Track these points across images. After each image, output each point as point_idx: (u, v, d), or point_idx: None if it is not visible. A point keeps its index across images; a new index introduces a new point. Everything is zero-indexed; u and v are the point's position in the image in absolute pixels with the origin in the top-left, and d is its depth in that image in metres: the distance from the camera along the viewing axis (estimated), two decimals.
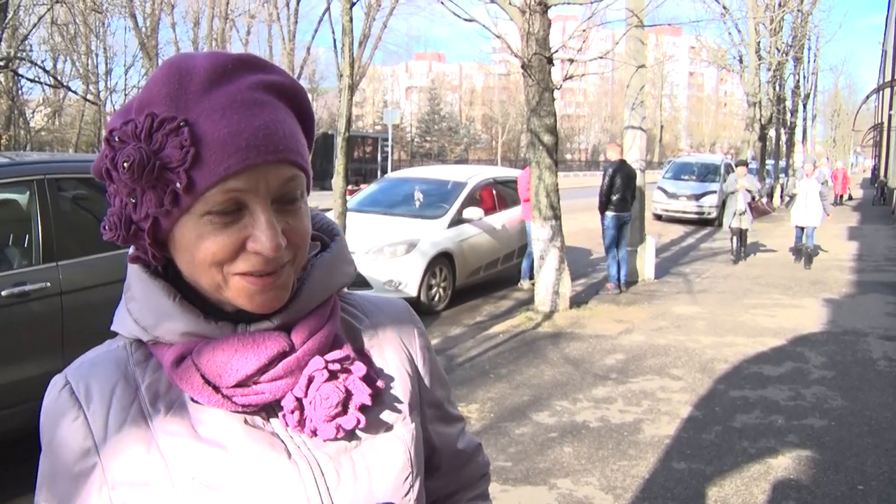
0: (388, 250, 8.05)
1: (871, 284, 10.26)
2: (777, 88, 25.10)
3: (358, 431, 0.85)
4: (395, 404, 0.91)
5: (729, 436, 4.61)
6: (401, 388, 0.92)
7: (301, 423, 0.81)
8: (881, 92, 35.51)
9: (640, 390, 5.46)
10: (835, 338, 7.14)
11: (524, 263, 9.70)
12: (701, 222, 19.28)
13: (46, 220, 3.92)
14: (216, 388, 0.78)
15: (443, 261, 8.43)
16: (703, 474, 4.05)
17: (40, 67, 16.50)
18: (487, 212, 9.33)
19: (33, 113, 26.12)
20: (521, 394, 5.32)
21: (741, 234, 12.14)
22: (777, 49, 22.65)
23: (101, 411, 0.80)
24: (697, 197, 19.62)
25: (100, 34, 26.79)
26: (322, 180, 19.98)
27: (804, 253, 11.71)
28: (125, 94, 27.88)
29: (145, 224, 0.76)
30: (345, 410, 0.82)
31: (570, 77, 8.20)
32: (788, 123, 30.76)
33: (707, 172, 20.81)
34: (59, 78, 22.60)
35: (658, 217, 19.78)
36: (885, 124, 33.53)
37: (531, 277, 8.90)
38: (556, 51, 7.89)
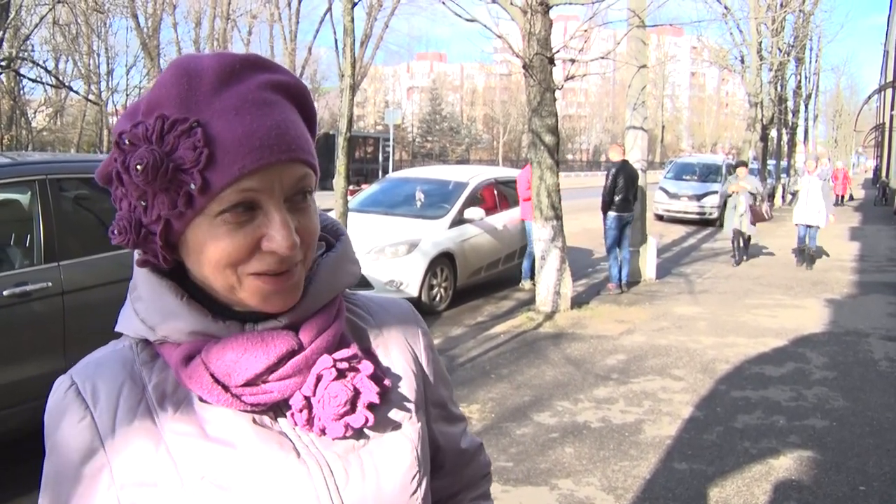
0: (389, 250, 8.05)
1: (873, 285, 10.25)
2: (779, 89, 25.08)
3: (366, 430, 0.85)
4: (402, 403, 0.91)
5: (730, 436, 4.61)
6: (407, 387, 0.93)
7: (310, 421, 0.81)
8: (883, 92, 35.47)
9: (642, 391, 5.46)
10: (836, 338, 7.14)
11: (525, 263, 9.69)
12: (702, 223, 19.27)
13: (48, 221, 3.92)
14: (225, 388, 0.78)
15: (444, 261, 8.43)
16: (704, 475, 4.04)
17: (42, 67, 16.50)
18: (489, 212, 9.33)
19: (35, 113, 26.16)
20: (522, 394, 5.32)
21: (742, 237, 11.84)
22: (779, 49, 22.63)
23: (108, 411, 0.79)
24: (699, 197, 19.60)
25: (101, 34, 26.84)
26: (323, 180, 19.97)
27: (806, 255, 11.58)
28: (127, 95, 27.92)
29: (156, 227, 0.76)
30: (353, 409, 0.82)
31: (572, 77, 8.20)
32: (790, 124, 30.73)
33: (708, 173, 20.80)
34: (60, 78, 22.62)
35: (659, 217, 19.77)
36: (887, 125, 33.50)
37: (532, 277, 8.90)
38: (558, 51, 7.89)
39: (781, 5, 21.85)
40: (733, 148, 60.49)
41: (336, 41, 6.25)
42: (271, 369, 0.79)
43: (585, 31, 9.11)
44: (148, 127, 0.74)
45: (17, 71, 14.54)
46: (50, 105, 27.02)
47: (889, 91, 33.06)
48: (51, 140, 27.27)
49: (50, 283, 3.85)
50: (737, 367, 6.08)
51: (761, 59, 21.42)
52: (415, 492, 0.88)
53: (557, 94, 7.97)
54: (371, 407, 0.83)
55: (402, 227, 8.52)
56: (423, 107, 71.61)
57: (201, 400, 0.80)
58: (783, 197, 26.35)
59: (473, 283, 9.14)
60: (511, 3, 7.71)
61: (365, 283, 7.66)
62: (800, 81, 31.84)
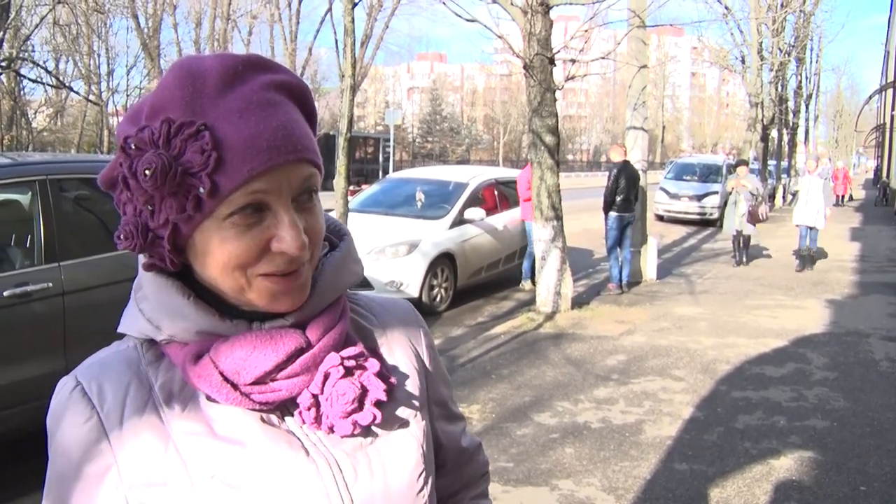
0: (389, 251, 8.06)
1: (874, 285, 10.25)
2: (779, 89, 25.07)
3: (373, 428, 0.86)
4: (408, 401, 0.92)
5: (731, 437, 4.61)
6: (412, 386, 0.94)
7: (318, 419, 0.81)
8: (884, 92, 35.47)
9: (642, 391, 5.46)
10: (837, 339, 7.13)
11: (525, 264, 9.69)
12: (703, 223, 19.26)
13: (48, 221, 3.92)
14: (234, 386, 0.79)
15: (444, 261, 8.43)
16: (704, 475, 4.04)
17: (42, 68, 16.52)
18: (489, 212, 9.33)
19: (35, 113, 26.17)
20: (522, 394, 5.32)
21: (742, 237, 11.70)
22: (779, 49, 22.61)
23: (115, 411, 0.79)
24: (699, 198, 19.60)
25: (102, 35, 26.86)
26: (324, 181, 19.90)
27: (807, 258, 11.45)
28: (127, 95, 27.94)
29: (164, 231, 0.76)
30: (360, 406, 0.82)
31: (572, 77, 8.20)
32: (791, 124, 30.71)
33: (709, 173, 20.79)
34: (61, 78, 22.64)
35: (660, 218, 19.76)
36: (888, 125, 33.49)
37: (532, 278, 8.90)
38: (558, 51, 7.89)
39: (782, 5, 21.84)
40: (734, 148, 60.52)
41: (336, 41, 6.24)
42: (280, 367, 0.79)
43: (586, 31, 9.10)
44: (154, 131, 0.74)
45: (17, 71, 14.55)
46: (50, 105, 27.03)
47: (890, 91, 33.05)
48: (51, 140, 27.28)
49: (50, 284, 3.85)
50: (737, 368, 6.08)
51: (762, 60, 21.41)
52: (421, 489, 0.89)
53: (558, 94, 7.97)
54: (378, 404, 0.83)
55: (403, 227, 8.52)
56: (423, 107, 71.63)
57: (208, 399, 0.80)
58: (784, 197, 26.35)
59: (474, 284, 9.14)
60: (511, 4, 7.71)
61: (365, 284, 7.65)
62: (800, 82, 31.85)
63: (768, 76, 22.57)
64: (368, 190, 10.71)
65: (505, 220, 9.63)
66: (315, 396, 0.81)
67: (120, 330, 0.86)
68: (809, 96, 35.45)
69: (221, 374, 0.78)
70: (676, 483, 3.94)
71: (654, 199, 19.44)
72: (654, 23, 13.23)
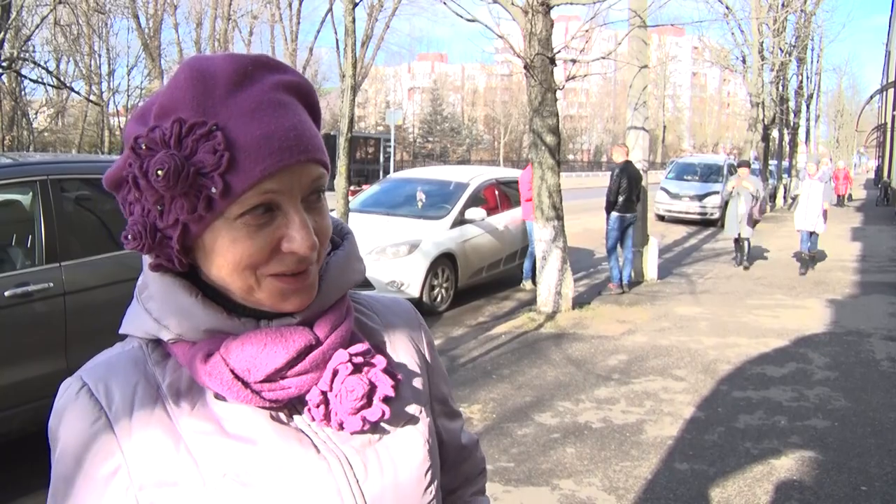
0: (390, 251, 8.06)
1: (875, 285, 10.24)
2: (780, 89, 25.05)
3: (381, 424, 0.86)
4: (413, 398, 0.93)
5: (732, 437, 4.61)
6: (416, 383, 0.95)
7: (327, 416, 0.82)
8: (885, 92, 35.45)
9: (643, 391, 5.46)
10: (838, 338, 7.13)
11: (526, 264, 9.69)
12: (704, 223, 19.25)
13: (49, 221, 3.92)
14: (245, 384, 0.79)
15: (445, 261, 8.43)
16: (705, 475, 4.04)
17: (43, 68, 16.53)
18: (490, 212, 9.33)
19: (36, 114, 26.19)
20: (523, 394, 5.32)
21: (743, 241, 11.53)
22: (780, 49, 22.60)
23: (124, 411, 0.79)
24: (700, 197, 19.59)
25: (103, 35, 26.88)
26: None
27: (808, 260, 11.27)
28: (128, 95, 27.96)
29: (173, 231, 0.76)
30: (369, 403, 0.82)
31: (573, 77, 8.20)
32: (791, 124, 30.68)
33: (710, 173, 20.77)
34: (61, 79, 22.66)
35: (661, 218, 19.76)
36: (889, 125, 33.47)
37: (533, 278, 8.90)
38: (559, 51, 7.88)
39: (783, 5, 21.83)
40: (734, 148, 60.54)
41: (337, 42, 6.25)
42: (290, 364, 0.79)
43: (586, 31, 9.11)
44: (165, 131, 0.73)
45: (18, 72, 14.56)
46: (51, 106, 27.06)
47: (891, 91, 33.03)
48: (52, 141, 27.29)
49: (51, 284, 3.86)
50: (738, 368, 6.08)
51: (763, 60, 21.41)
52: (429, 485, 0.90)
53: (558, 94, 7.97)
54: (386, 400, 0.83)
55: (404, 227, 8.52)
56: (424, 107, 71.65)
57: (217, 397, 0.80)
58: (784, 198, 26.33)
59: (474, 284, 9.14)
60: (512, 4, 7.71)
61: (366, 284, 7.66)
62: (801, 81, 31.81)
63: (769, 76, 22.57)
64: (369, 190, 10.71)
65: (506, 220, 9.63)
66: (324, 393, 0.81)
67: (123, 331, 0.86)
68: (810, 96, 35.42)
69: (232, 371, 0.78)
70: (677, 483, 3.94)
71: (655, 199, 19.44)
72: (654, 23, 13.24)
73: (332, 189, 6.14)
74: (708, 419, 4.91)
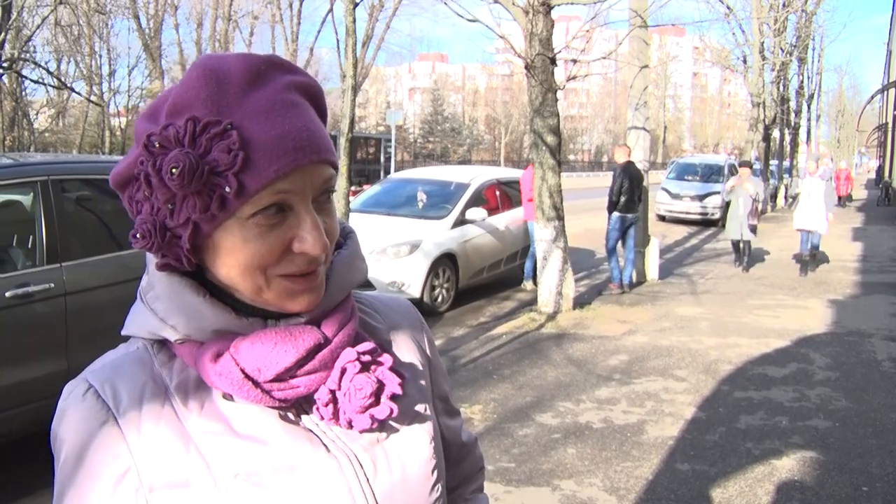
0: (391, 251, 8.06)
1: (876, 285, 10.24)
2: (781, 89, 25.05)
3: (388, 422, 0.86)
4: (418, 396, 0.93)
5: (733, 437, 4.60)
6: (421, 381, 0.96)
7: (335, 415, 0.82)
8: (885, 92, 35.42)
9: (644, 391, 5.45)
10: (839, 339, 7.13)
11: (527, 264, 9.69)
12: (704, 223, 19.25)
13: (50, 222, 3.92)
14: (255, 383, 0.78)
15: (446, 262, 8.43)
16: (706, 475, 4.04)
17: (44, 69, 16.54)
18: (491, 212, 9.33)
19: (37, 114, 26.21)
20: (524, 395, 5.32)
21: (743, 244, 11.36)
22: (781, 49, 22.60)
23: (132, 413, 0.78)
24: (701, 198, 19.58)
25: (103, 35, 26.87)
26: None
27: (809, 261, 11.07)
28: (129, 96, 27.97)
29: (184, 230, 0.75)
30: (377, 401, 0.82)
31: (574, 77, 8.20)
32: (792, 124, 30.70)
33: (711, 173, 20.76)
34: (62, 79, 22.67)
35: (661, 218, 19.76)
36: (890, 125, 33.46)
37: (534, 278, 8.89)
38: (560, 51, 7.88)
39: (784, 5, 21.84)
40: (735, 148, 60.49)
41: (338, 42, 6.26)
42: (300, 363, 0.79)
43: (587, 31, 9.11)
44: (179, 129, 0.73)
45: (18, 72, 14.57)
46: (52, 106, 27.06)
47: (892, 91, 33.01)
48: (53, 141, 27.29)
49: (52, 285, 3.86)
50: (739, 368, 6.07)
51: (763, 60, 21.41)
52: (435, 483, 0.90)
53: (559, 94, 7.97)
54: (394, 398, 0.84)
55: (404, 227, 8.52)
56: (424, 107, 71.66)
57: (224, 397, 0.80)
58: (785, 198, 26.32)
59: (475, 284, 9.14)
60: (513, 4, 7.71)
61: (367, 284, 7.66)
62: (802, 81, 31.83)
63: (770, 76, 22.58)
64: (370, 190, 10.71)
65: (506, 220, 9.63)
66: (332, 392, 0.81)
67: (127, 332, 0.85)
68: (811, 96, 35.43)
69: (242, 371, 0.78)
70: (678, 483, 3.94)
71: (656, 200, 19.44)
72: (655, 23, 13.23)
73: None
74: (709, 419, 4.90)
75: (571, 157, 73.06)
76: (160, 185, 0.73)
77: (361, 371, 0.82)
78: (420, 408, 0.92)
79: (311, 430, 0.83)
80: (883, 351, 6.70)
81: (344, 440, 0.83)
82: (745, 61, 22.26)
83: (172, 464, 0.78)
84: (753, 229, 11.22)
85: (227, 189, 0.72)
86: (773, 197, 25.21)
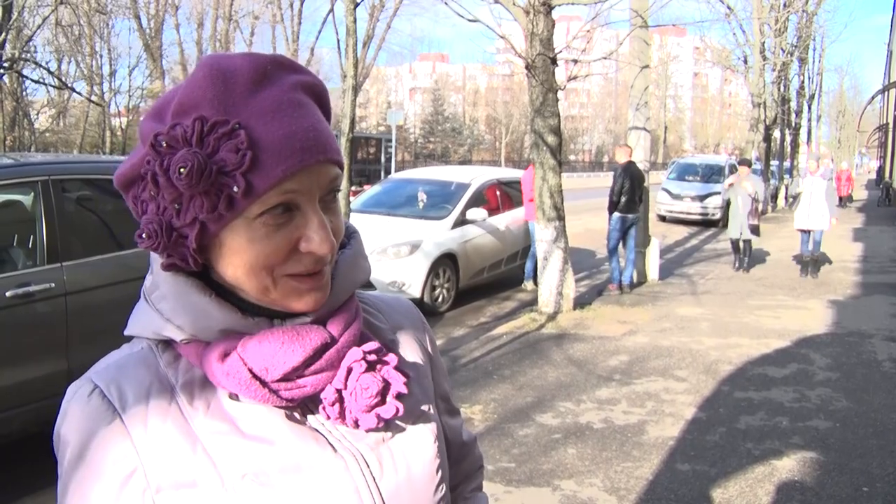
0: (391, 251, 8.06)
1: (876, 286, 10.23)
2: (782, 89, 25.06)
3: (394, 421, 0.86)
4: (422, 395, 0.93)
5: (733, 437, 4.60)
6: (424, 380, 0.96)
7: (342, 414, 0.82)
8: (886, 93, 35.42)
9: (644, 392, 5.45)
10: (839, 339, 7.12)
11: (528, 264, 9.69)
12: (705, 223, 19.25)
13: (51, 222, 3.93)
14: (262, 383, 0.78)
15: (446, 262, 8.43)
16: (707, 476, 4.04)
17: (44, 69, 16.57)
18: (491, 213, 9.33)
19: (37, 114, 26.21)
20: (524, 395, 5.32)
21: (743, 243, 11.22)
22: (782, 49, 22.61)
23: (139, 413, 0.78)
24: (702, 198, 19.58)
25: (104, 35, 26.87)
26: None
27: (810, 263, 10.85)
28: (129, 96, 27.97)
29: (190, 230, 0.75)
30: (383, 400, 0.83)
31: (574, 77, 8.20)
32: (793, 124, 30.70)
33: (711, 173, 20.75)
34: (63, 79, 22.68)
35: (662, 218, 19.76)
36: (891, 125, 33.45)
37: (535, 278, 8.89)
38: (560, 51, 7.88)
39: (784, 5, 21.84)
40: (736, 148, 60.52)
41: (338, 42, 6.27)
42: (307, 363, 0.79)
43: (588, 31, 9.11)
44: (187, 129, 0.73)
45: (19, 72, 14.59)
46: (52, 106, 27.06)
47: (892, 91, 33.02)
48: (53, 141, 27.30)
49: (53, 284, 3.86)
50: (740, 368, 6.07)
51: (764, 60, 21.41)
52: (440, 482, 0.90)
53: (560, 94, 7.97)
54: (399, 397, 0.84)
55: (405, 227, 8.52)
56: (425, 107, 71.63)
57: (230, 397, 0.80)
58: (786, 198, 26.31)
59: (476, 284, 9.14)
60: (514, 4, 7.71)
61: (367, 284, 7.65)
62: (803, 82, 31.84)
63: (771, 76, 22.58)
64: (370, 190, 10.71)
65: (507, 220, 9.62)
66: (339, 391, 0.81)
67: (130, 332, 0.85)
68: (812, 96, 35.42)
69: (250, 370, 0.78)
70: (679, 484, 3.94)
71: (657, 200, 19.44)
72: (656, 23, 13.23)
73: None
74: (709, 420, 4.90)
75: (572, 158, 73.04)
76: (167, 185, 0.73)
77: (367, 370, 0.82)
78: (424, 407, 0.92)
79: (317, 430, 0.83)
80: (883, 351, 6.70)
81: (350, 439, 0.83)
82: (745, 61, 22.27)
83: (179, 464, 0.77)
84: (755, 230, 11.14)
85: (235, 189, 0.72)
86: (774, 197, 25.21)
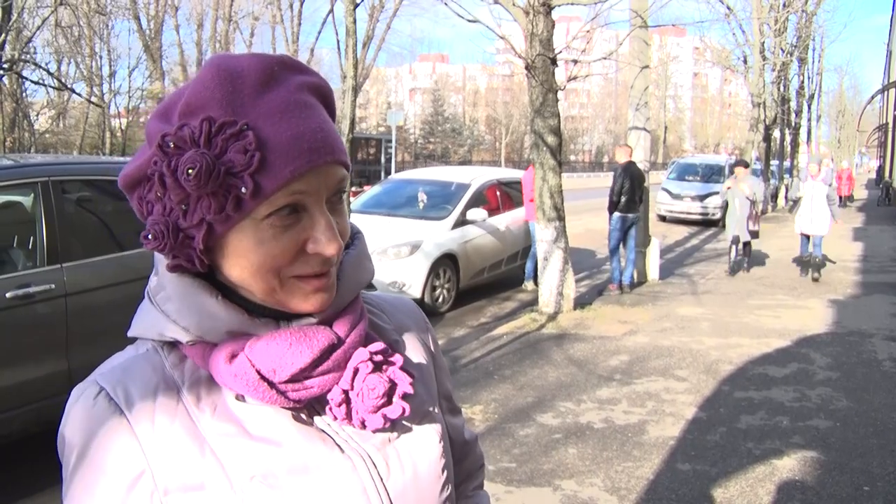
0: (392, 252, 8.06)
1: (876, 285, 10.23)
2: (781, 89, 25.05)
3: (400, 422, 0.86)
4: (427, 395, 0.94)
5: (734, 437, 4.60)
6: (428, 380, 0.96)
7: (349, 415, 0.82)
8: (886, 92, 35.42)
9: (645, 391, 5.45)
10: (840, 339, 7.12)
11: (528, 265, 9.69)
12: (705, 223, 19.25)
13: (51, 223, 3.93)
14: (270, 384, 0.78)
15: (447, 262, 8.43)
16: (707, 475, 4.04)
17: (44, 70, 16.57)
18: (491, 213, 9.33)
19: (37, 115, 26.18)
20: (525, 395, 5.32)
21: (740, 245, 11.04)
22: (781, 49, 22.60)
23: (145, 415, 0.78)
24: (702, 198, 19.59)
25: (104, 36, 26.86)
26: None
27: (811, 265, 10.64)
28: (129, 97, 27.96)
29: (197, 231, 0.75)
30: (389, 401, 0.83)
31: (574, 78, 8.20)
32: (793, 124, 30.69)
33: (711, 173, 20.77)
34: (63, 80, 22.67)
35: (662, 218, 19.77)
36: (890, 125, 33.45)
37: (535, 278, 8.89)
38: (560, 52, 7.88)
39: (784, 5, 21.84)
40: (736, 148, 60.47)
41: (338, 43, 6.27)
42: (315, 364, 0.79)
43: (588, 31, 9.11)
44: (194, 129, 0.73)
45: (19, 73, 14.59)
46: (52, 107, 27.04)
47: (892, 91, 33.02)
48: (53, 142, 27.28)
49: (53, 286, 3.86)
50: (740, 368, 6.07)
51: (764, 60, 21.41)
52: (445, 482, 0.90)
53: (560, 94, 7.97)
54: (405, 398, 0.84)
55: (405, 228, 8.52)
56: (425, 108, 71.62)
57: (237, 399, 0.80)
58: (786, 199, 26.31)
59: (476, 285, 9.14)
60: (513, 4, 7.71)
61: (368, 284, 7.65)
62: (803, 82, 31.82)
63: (770, 76, 22.57)
64: (371, 191, 10.71)
65: (507, 220, 9.63)
66: (345, 392, 0.81)
67: (134, 333, 0.84)
68: (812, 96, 35.41)
69: (258, 372, 0.78)
70: (679, 483, 3.94)
71: (657, 200, 19.45)
72: (655, 23, 13.23)
73: None
74: (710, 419, 4.90)
75: (572, 158, 73.04)
76: (175, 186, 0.73)
77: (374, 371, 0.82)
78: (429, 407, 0.92)
79: (324, 431, 0.82)
80: (884, 351, 6.69)
81: (357, 440, 0.83)
82: (745, 61, 22.26)
83: (187, 466, 0.77)
84: (755, 235, 10.97)
85: (243, 190, 0.72)
86: (774, 197, 25.20)
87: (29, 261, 3.93)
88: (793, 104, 29.82)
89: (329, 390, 0.81)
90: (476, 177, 9.75)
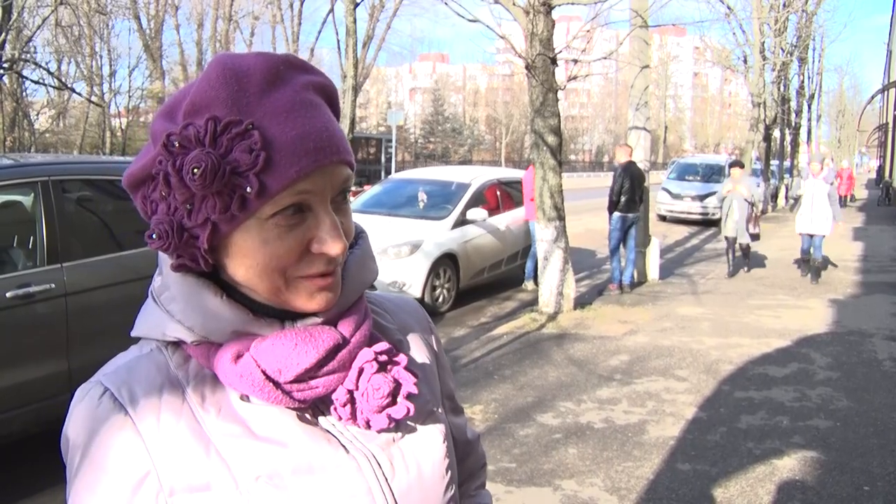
0: (392, 251, 8.05)
1: (877, 285, 10.23)
2: (782, 89, 25.05)
3: (404, 422, 0.86)
4: (431, 394, 0.94)
5: (734, 437, 4.60)
6: (432, 380, 0.96)
7: (353, 415, 0.82)
8: (886, 92, 35.42)
9: (645, 391, 5.45)
10: (840, 338, 7.12)
11: (528, 264, 9.69)
12: (705, 223, 19.25)
13: (51, 222, 3.93)
14: (275, 384, 0.78)
15: (447, 262, 8.43)
16: (707, 475, 4.03)
17: (44, 69, 16.57)
18: (491, 213, 9.33)
19: (37, 115, 26.20)
20: (525, 395, 5.31)
21: (740, 246, 10.92)
22: (781, 49, 22.60)
23: (150, 416, 0.77)
24: (702, 198, 19.59)
25: (104, 36, 26.87)
26: None
27: (812, 266, 10.51)
28: (129, 96, 27.97)
29: (202, 230, 0.75)
30: (394, 401, 0.82)
31: (574, 77, 8.19)
32: (793, 124, 30.69)
33: (711, 173, 20.78)
34: (63, 80, 22.68)
35: (662, 218, 19.77)
36: (890, 125, 33.44)
37: (535, 278, 8.89)
38: (560, 51, 7.88)
39: (784, 5, 21.84)
40: (736, 148, 60.47)
41: (338, 42, 6.27)
42: (320, 364, 0.79)
43: (588, 31, 9.11)
44: (199, 129, 0.73)
45: (19, 73, 14.59)
46: (52, 107, 27.05)
47: (892, 91, 33.01)
48: (53, 142, 27.30)
49: (53, 285, 3.86)
50: (740, 368, 6.07)
51: (764, 60, 21.41)
52: (449, 482, 0.90)
53: (560, 94, 7.97)
54: (410, 398, 0.84)
55: (405, 227, 8.52)
56: (425, 108, 71.61)
57: (242, 399, 0.80)
58: (786, 198, 26.30)
59: (476, 284, 9.14)
60: (514, 4, 7.71)
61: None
62: (803, 81, 31.83)
63: (771, 76, 22.57)
64: (371, 190, 10.71)
65: (507, 220, 9.62)
66: (350, 392, 0.81)
67: (138, 333, 0.84)
68: (812, 96, 35.41)
69: (263, 372, 0.77)
70: (679, 483, 3.94)
71: (657, 200, 19.45)
72: (656, 23, 13.21)
73: None
74: (710, 419, 4.90)
75: (572, 158, 73.00)
76: (180, 185, 0.72)
77: (378, 371, 0.82)
78: (432, 407, 0.92)
79: (329, 431, 0.82)
80: (884, 350, 6.69)
81: (361, 440, 0.83)
82: (745, 61, 22.26)
83: (193, 466, 0.77)
84: (756, 237, 10.90)
85: (249, 189, 0.72)
86: (774, 197, 25.20)
87: (29, 260, 3.92)
88: (793, 104, 29.82)
89: (334, 390, 0.81)
90: (476, 176, 9.75)
